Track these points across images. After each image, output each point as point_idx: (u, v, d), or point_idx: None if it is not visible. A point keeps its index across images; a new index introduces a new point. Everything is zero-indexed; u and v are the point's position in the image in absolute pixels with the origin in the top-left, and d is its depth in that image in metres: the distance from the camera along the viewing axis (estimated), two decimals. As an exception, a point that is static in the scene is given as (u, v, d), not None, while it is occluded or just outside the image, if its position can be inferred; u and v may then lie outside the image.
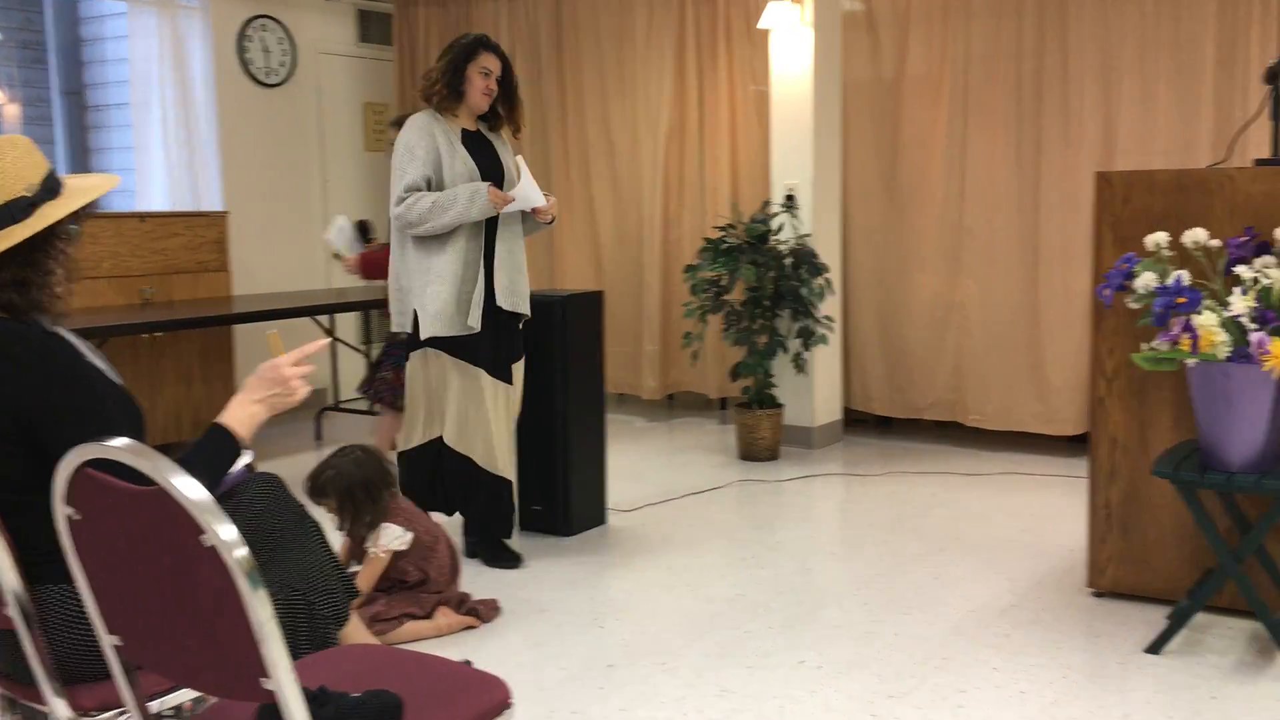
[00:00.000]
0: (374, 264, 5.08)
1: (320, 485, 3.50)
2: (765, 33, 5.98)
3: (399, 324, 4.02)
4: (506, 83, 3.97)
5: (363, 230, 5.42)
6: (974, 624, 3.50)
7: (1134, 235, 3.48)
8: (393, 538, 3.49)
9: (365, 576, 3.48)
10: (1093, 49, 5.48)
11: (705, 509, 4.88)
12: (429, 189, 3.83)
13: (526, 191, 3.88)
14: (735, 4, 6.44)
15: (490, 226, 3.91)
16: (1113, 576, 3.66)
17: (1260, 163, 3.45)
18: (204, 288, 6.28)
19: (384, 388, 5.09)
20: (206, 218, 6.35)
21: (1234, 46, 5.17)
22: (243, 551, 1.48)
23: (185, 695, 2.12)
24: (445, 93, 3.88)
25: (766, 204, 5.89)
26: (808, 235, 5.83)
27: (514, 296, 3.96)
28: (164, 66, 6.47)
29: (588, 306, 4.52)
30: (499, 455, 4.00)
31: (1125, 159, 5.40)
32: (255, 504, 2.59)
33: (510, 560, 4.11)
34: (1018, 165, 5.71)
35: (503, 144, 4.06)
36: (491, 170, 3.94)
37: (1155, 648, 3.24)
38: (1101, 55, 5.46)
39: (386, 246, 4.17)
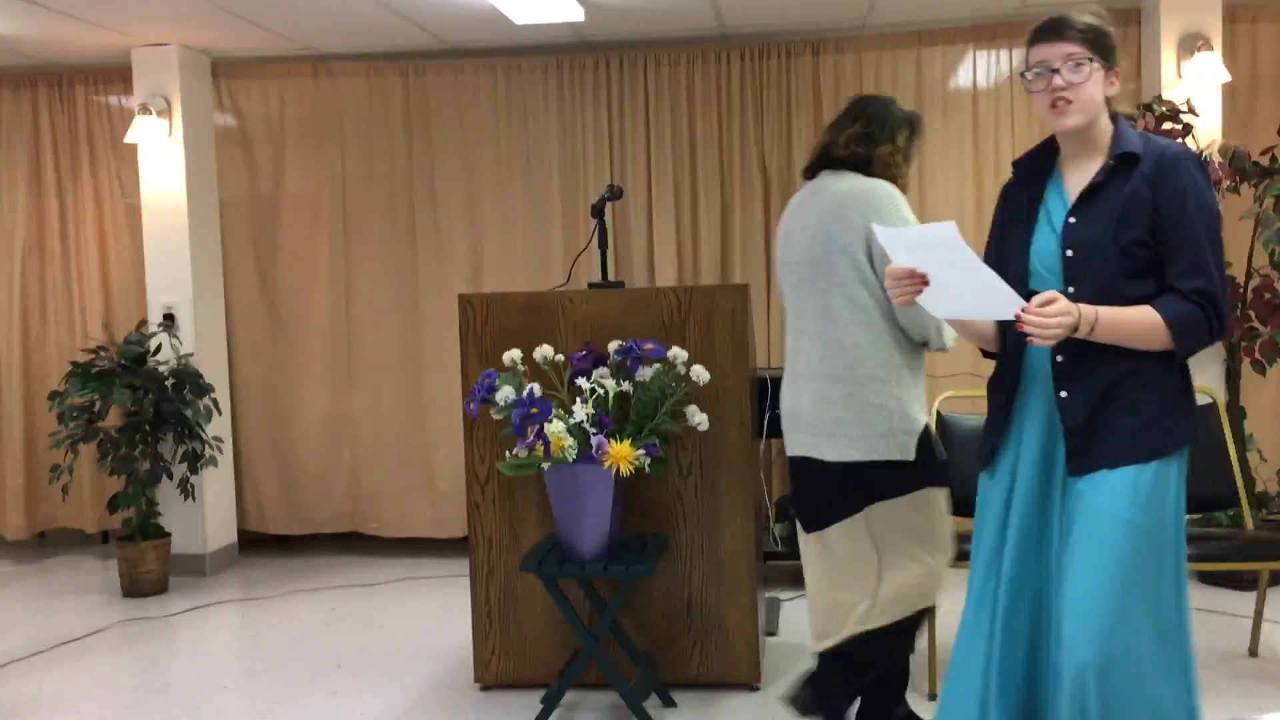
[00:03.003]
0: None
1: None
2: (134, 146, 5.75)
3: (876, 449, 2.95)
4: None
5: None
6: (370, 738, 3.55)
7: (495, 351, 3.83)
8: None
9: None
10: (457, 175, 5.93)
11: (82, 658, 4.46)
12: None
13: None
14: (96, 114, 6.12)
15: None
16: (496, 669, 3.91)
17: (593, 285, 3.96)
18: None
19: None
20: None
21: (574, 180, 5.88)
22: None
23: None
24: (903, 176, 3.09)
25: (143, 324, 5.60)
26: (190, 355, 5.63)
27: None
28: None
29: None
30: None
31: (492, 276, 5.89)
32: None
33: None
34: (398, 281, 5.99)
35: None
36: None
37: (534, 732, 3.51)
38: (465, 181, 5.93)
39: None
